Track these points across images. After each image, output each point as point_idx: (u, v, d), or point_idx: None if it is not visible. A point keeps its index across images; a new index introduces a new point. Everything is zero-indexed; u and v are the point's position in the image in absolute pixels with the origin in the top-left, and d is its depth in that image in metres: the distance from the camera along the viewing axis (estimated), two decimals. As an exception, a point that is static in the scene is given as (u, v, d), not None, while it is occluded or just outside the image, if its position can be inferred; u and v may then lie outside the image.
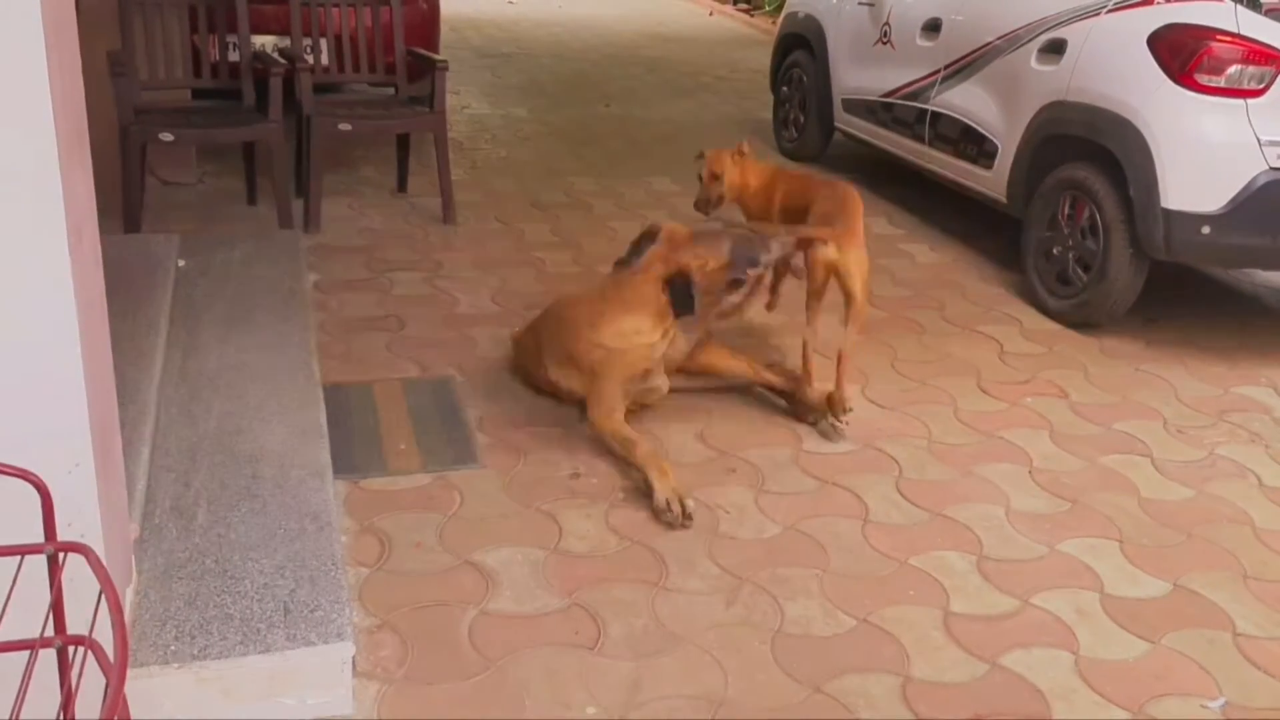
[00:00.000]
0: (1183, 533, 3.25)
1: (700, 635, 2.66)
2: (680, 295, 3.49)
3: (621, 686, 2.48)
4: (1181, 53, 4.28)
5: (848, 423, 3.70)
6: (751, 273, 3.59)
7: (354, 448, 3.42)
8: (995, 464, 3.59)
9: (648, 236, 3.64)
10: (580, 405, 3.62)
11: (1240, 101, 4.19)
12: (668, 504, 3.11)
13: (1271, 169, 4.16)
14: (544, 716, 2.38)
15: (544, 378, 3.76)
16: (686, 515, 3.09)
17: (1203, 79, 4.23)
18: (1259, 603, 2.93)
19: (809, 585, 2.89)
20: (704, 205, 4.34)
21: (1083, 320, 4.74)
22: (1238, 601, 2.93)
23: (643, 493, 3.25)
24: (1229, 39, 4.19)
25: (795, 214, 4.03)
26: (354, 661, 2.39)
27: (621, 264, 3.66)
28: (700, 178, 4.36)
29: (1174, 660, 2.69)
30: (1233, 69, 4.19)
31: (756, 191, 4.28)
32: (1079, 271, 4.73)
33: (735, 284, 3.60)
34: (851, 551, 3.06)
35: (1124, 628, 2.79)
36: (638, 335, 3.51)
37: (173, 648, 2.25)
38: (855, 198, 4.05)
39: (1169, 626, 2.81)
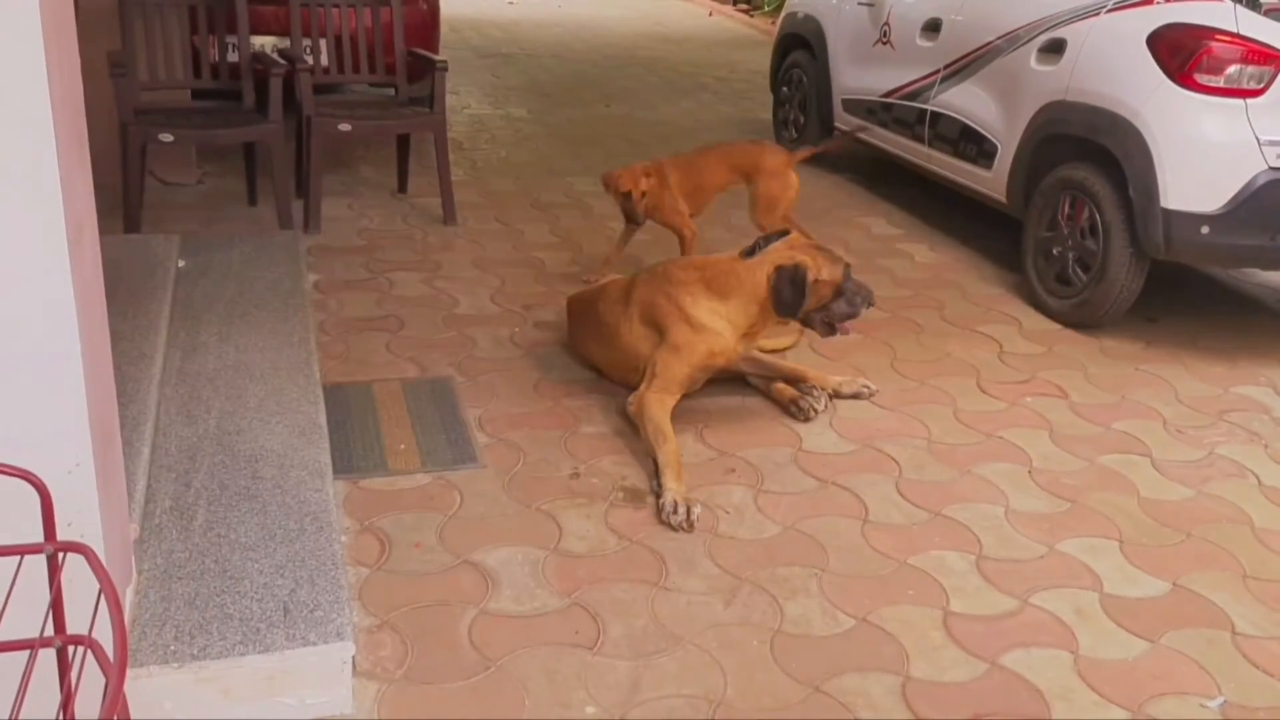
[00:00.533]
0: (1182, 532, 3.25)
1: (699, 635, 2.66)
2: (789, 287, 3.46)
3: (621, 686, 2.48)
4: (1181, 52, 4.29)
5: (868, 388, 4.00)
6: (847, 311, 3.62)
7: (354, 448, 3.42)
8: (995, 464, 3.59)
9: (775, 235, 3.68)
10: (618, 387, 3.78)
11: (1240, 101, 4.19)
12: (675, 507, 3.11)
13: (1271, 169, 4.16)
14: (544, 716, 2.38)
15: (596, 347, 3.92)
16: (691, 523, 3.09)
17: (1202, 79, 4.23)
18: (1258, 602, 2.93)
19: (808, 585, 2.89)
20: (632, 215, 4.74)
21: (1082, 320, 4.74)
22: (1237, 601, 2.93)
23: (644, 491, 3.25)
24: (1228, 39, 4.19)
25: (717, 186, 4.74)
26: (354, 661, 2.39)
27: (746, 254, 3.64)
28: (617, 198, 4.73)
29: (1173, 660, 2.69)
30: (1232, 69, 4.19)
31: (660, 190, 4.71)
32: (1079, 271, 4.73)
33: (826, 313, 3.62)
34: (851, 551, 3.06)
35: (1123, 627, 2.80)
36: (726, 325, 3.55)
37: (172, 647, 2.25)
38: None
39: (1168, 626, 2.81)
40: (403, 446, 3.44)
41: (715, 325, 3.55)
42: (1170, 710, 2.52)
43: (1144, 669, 2.65)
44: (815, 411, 3.80)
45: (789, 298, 3.46)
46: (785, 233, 3.71)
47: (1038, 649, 2.69)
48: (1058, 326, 4.79)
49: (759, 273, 3.53)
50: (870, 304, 3.67)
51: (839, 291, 3.56)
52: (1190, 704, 2.54)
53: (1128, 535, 3.22)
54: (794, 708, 2.45)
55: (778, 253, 3.56)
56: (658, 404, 3.47)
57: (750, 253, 3.63)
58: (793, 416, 3.81)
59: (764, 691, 2.49)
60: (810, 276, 3.49)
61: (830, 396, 3.91)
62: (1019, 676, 2.59)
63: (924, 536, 3.16)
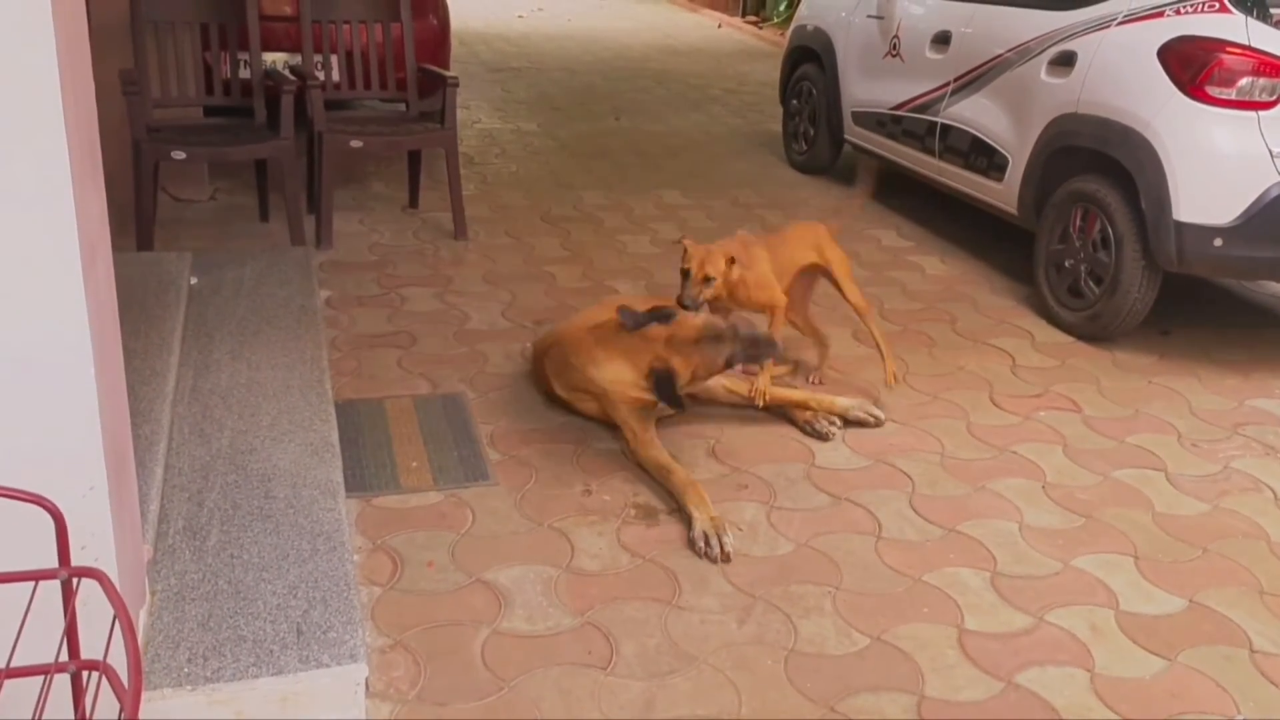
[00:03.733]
0: (1198, 548, 3.23)
1: (713, 654, 2.65)
2: (664, 386, 3.40)
3: (634, 706, 2.47)
4: (1192, 65, 4.28)
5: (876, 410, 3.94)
6: (748, 368, 3.68)
7: (366, 465, 3.42)
8: (1008, 479, 3.58)
9: (661, 316, 3.53)
10: (598, 422, 3.71)
11: (1252, 114, 4.18)
12: (706, 538, 3.07)
13: (1284, 181, 4.15)
14: (557, 737, 2.38)
15: (558, 395, 3.80)
16: (725, 555, 3.03)
17: (1214, 91, 4.22)
18: (1276, 619, 2.91)
19: (822, 603, 2.88)
20: (692, 301, 3.67)
21: (1095, 333, 4.73)
22: (1254, 618, 2.91)
23: (657, 508, 3.25)
24: (1240, 51, 4.18)
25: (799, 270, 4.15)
26: (367, 683, 2.39)
27: (627, 320, 3.52)
28: (684, 272, 3.73)
29: (1191, 678, 2.67)
30: (1244, 81, 4.18)
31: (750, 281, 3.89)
32: (1091, 284, 4.72)
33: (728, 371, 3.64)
34: (865, 568, 3.05)
35: (1140, 645, 2.78)
36: (633, 387, 3.52)
37: (186, 670, 2.25)
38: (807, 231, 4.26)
39: (1185, 643, 2.79)
40: (415, 464, 3.44)
41: (619, 387, 3.54)
42: (1188, 729, 2.50)
43: (1161, 687, 2.63)
44: (833, 433, 3.78)
45: (667, 395, 3.42)
46: (669, 315, 3.52)
47: (1053, 667, 2.68)
48: (1070, 339, 4.78)
49: (641, 347, 3.49)
50: (769, 357, 3.65)
51: (728, 362, 3.51)
52: (1209, 723, 2.53)
53: (1143, 551, 3.20)
54: (809, 728, 2.44)
55: (659, 336, 3.47)
56: (640, 446, 3.47)
57: (633, 322, 3.51)
58: (810, 436, 3.80)
59: (778, 711, 2.48)
60: (681, 375, 3.44)
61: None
62: (1035, 695, 2.58)
63: (938, 553, 3.14)
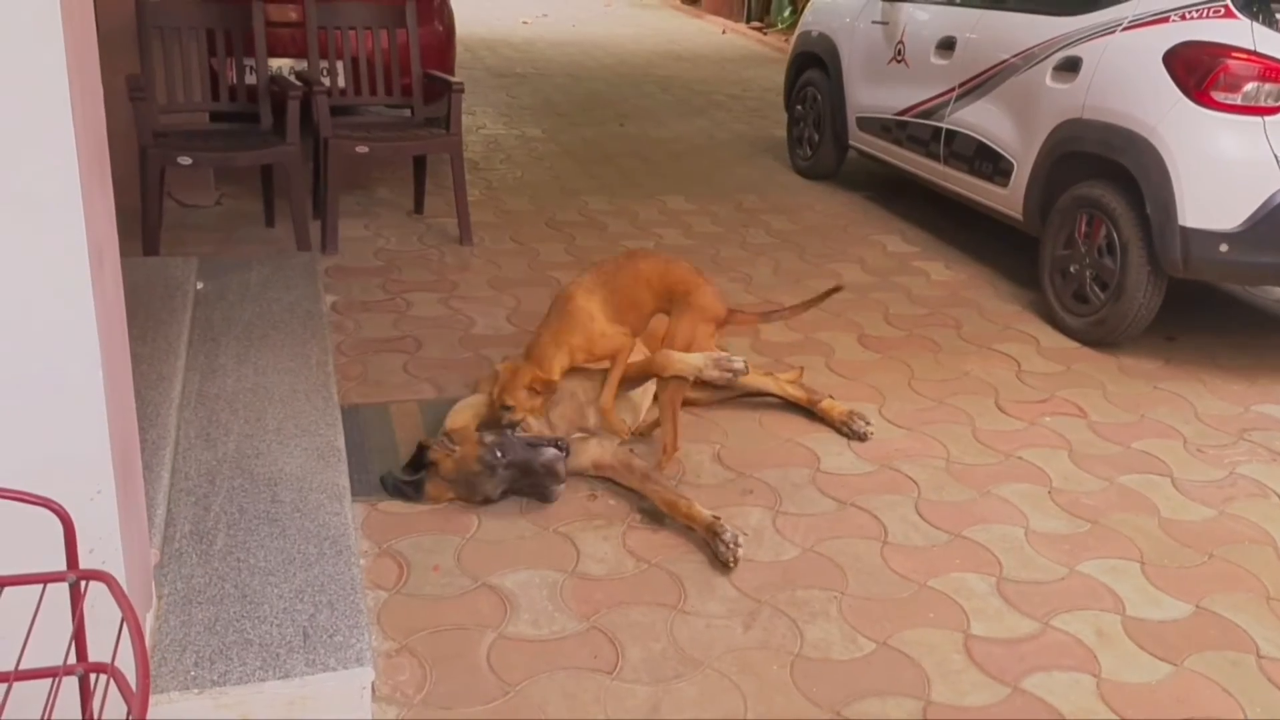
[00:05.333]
0: (1204, 553, 3.23)
1: (719, 659, 2.65)
2: (415, 462, 3.30)
3: (640, 710, 2.47)
4: (1197, 70, 4.28)
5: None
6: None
7: (371, 470, 3.42)
8: (1014, 484, 3.57)
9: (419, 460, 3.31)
10: None
11: (1257, 119, 4.18)
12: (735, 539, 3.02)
13: (1289, 186, 4.15)
14: (563, 741, 2.38)
15: None
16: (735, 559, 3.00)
17: (1219, 96, 4.22)
18: (1282, 624, 2.91)
19: (828, 608, 2.88)
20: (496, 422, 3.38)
21: (1101, 338, 4.72)
22: (1260, 623, 2.90)
23: (661, 513, 3.24)
24: (1245, 56, 4.18)
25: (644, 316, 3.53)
26: (373, 687, 2.39)
27: (386, 487, 3.31)
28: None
29: (1197, 683, 2.66)
30: (1249, 86, 4.18)
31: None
32: (1096, 289, 4.71)
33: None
34: (870, 573, 3.05)
35: (1146, 650, 2.77)
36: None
37: (193, 673, 2.25)
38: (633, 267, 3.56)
39: (1191, 649, 2.79)
40: (398, 471, 3.43)
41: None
42: (1195, 735, 2.50)
43: (1167, 692, 2.63)
44: (870, 432, 3.80)
45: (414, 467, 3.30)
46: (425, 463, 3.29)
47: (1059, 672, 2.67)
48: (1076, 345, 4.77)
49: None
50: (549, 489, 3.25)
51: (503, 493, 3.25)
52: (1215, 728, 2.52)
53: (1149, 556, 3.20)
54: (815, 732, 2.44)
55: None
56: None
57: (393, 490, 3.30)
58: (846, 436, 3.82)
59: (784, 716, 2.48)
60: (438, 492, 3.25)
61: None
62: (1041, 700, 2.57)
63: (944, 558, 3.14)
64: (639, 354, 3.52)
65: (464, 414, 3.43)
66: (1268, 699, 2.62)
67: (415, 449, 3.34)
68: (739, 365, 3.37)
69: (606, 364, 3.41)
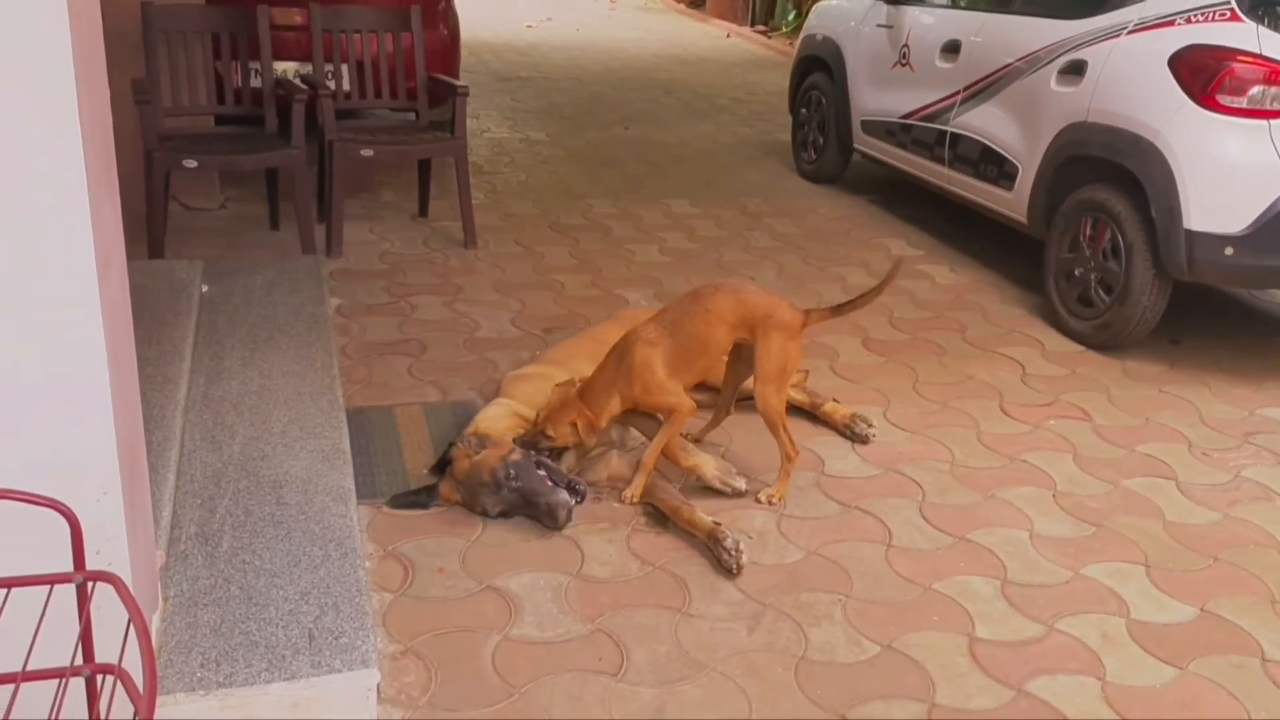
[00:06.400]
0: (1209, 557, 3.22)
1: (723, 662, 2.65)
2: (440, 466, 3.33)
3: (645, 713, 2.47)
4: (1203, 74, 4.28)
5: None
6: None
7: (376, 472, 3.43)
8: (1018, 487, 3.57)
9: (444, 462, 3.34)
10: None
11: (1263, 122, 4.17)
12: (737, 545, 3.04)
13: (1294, 190, 4.14)
14: (568, 744, 2.38)
15: None
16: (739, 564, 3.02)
17: (1224, 100, 4.22)
18: (1288, 628, 2.90)
19: (832, 611, 2.88)
20: (524, 443, 3.33)
21: (1105, 342, 4.72)
22: (1265, 626, 2.90)
23: (666, 516, 3.24)
24: (1251, 59, 4.18)
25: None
26: (378, 689, 2.39)
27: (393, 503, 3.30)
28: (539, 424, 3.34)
29: (1202, 686, 2.66)
30: (1255, 90, 4.17)
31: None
32: (1101, 293, 4.71)
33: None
34: (875, 577, 3.05)
35: (1150, 653, 2.77)
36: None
37: (199, 675, 2.26)
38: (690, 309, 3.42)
39: (1196, 652, 2.78)
40: (425, 471, 3.44)
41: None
42: (1200, 738, 2.49)
43: (1172, 696, 2.63)
44: (872, 435, 3.82)
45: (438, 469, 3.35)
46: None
47: (1064, 675, 2.67)
48: (1080, 348, 4.77)
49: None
50: (555, 520, 3.18)
51: (503, 512, 3.23)
52: (1220, 732, 2.52)
53: (1154, 559, 3.19)
54: (819, 735, 2.44)
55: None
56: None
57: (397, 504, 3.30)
58: (848, 439, 3.82)
59: (789, 719, 2.48)
60: (448, 495, 3.27)
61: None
62: (1045, 703, 2.57)
63: (948, 561, 3.14)
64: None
65: (502, 422, 3.41)
66: (1273, 702, 2.62)
67: (446, 448, 3.35)
68: (740, 485, 3.40)
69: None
